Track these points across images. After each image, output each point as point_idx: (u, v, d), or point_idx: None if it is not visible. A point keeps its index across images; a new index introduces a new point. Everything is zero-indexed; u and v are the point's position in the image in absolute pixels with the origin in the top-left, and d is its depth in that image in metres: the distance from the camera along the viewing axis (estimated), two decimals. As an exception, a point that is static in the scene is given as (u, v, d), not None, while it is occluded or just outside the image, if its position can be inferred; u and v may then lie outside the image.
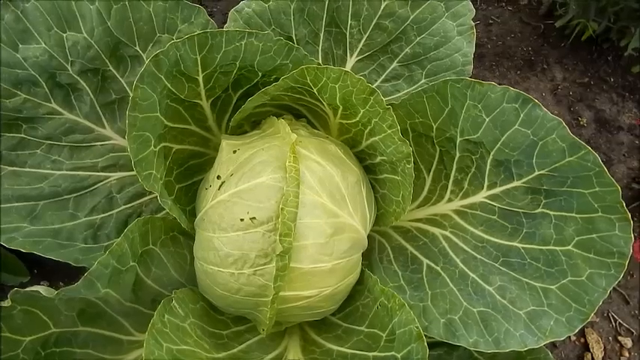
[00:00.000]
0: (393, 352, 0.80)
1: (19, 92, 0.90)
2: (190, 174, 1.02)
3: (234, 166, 0.88)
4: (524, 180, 0.86)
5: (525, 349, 0.81)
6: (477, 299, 0.86)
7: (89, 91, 0.95)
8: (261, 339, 0.98)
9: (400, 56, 1.06)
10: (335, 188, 0.88)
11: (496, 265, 0.91)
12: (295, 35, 1.02)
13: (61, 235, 0.93)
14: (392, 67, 1.07)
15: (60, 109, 0.95)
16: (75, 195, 0.99)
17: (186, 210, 0.99)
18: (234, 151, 0.90)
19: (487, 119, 0.82)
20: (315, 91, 0.89)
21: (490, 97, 0.81)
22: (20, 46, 0.86)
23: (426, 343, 0.75)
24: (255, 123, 1.03)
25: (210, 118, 0.99)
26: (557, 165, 0.83)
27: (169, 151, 0.95)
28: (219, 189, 0.87)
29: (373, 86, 1.06)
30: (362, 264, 0.99)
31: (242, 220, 0.82)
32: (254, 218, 0.82)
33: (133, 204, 1.03)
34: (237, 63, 0.87)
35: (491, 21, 1.66)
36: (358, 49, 1.07)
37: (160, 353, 0.74)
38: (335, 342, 0.97)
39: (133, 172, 1.04)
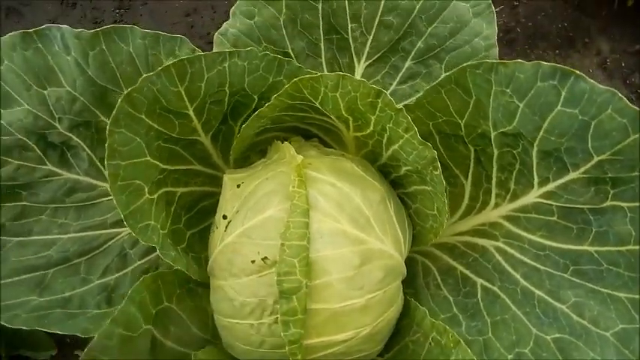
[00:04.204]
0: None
1: (10, 159, 0.85)
2: (202, 217, 0.93)
3: (238, 202, 0.78)
4: (582, 170, 0.71)
5: (622, 380, 0.64)
6: (550, 323, 0.70)
7: (84, 146, 0.89)
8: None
9: (413, 53, 0.94)
10: (356, 210, 0.76)
11: (566, 276, 0.75)
12: (292, 50, 0.92)
13: (72, 304, 0.86)
14: (406, 66, 0.95)
15: (57, 170, 0.90)
16: (86, 257, 0.93)
17: (200, 257, 0.90)
18: (238, 186, 0.81)
19: (521, 105, 0.68)
20: (317, 104, 0.78)
21: (519, 77, 0.67)
22: (3, 111, 0.82)
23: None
24: (263, 152, 0.94)
25: (213, 154, 0.90)
26: (620, 146, 0.67)
27: (173, 196, 0.86)
28: (225, 230, 0.78)
29: (389, 90, 0.96)
30: (406, 292, 0.85)
31: (253, 262, 0.72)
32: (266, 258, 0.71)
33: (149, 257, 0.95)
34: (227, 89, 0.78)
35: (516, 2, 1.50)
36: (365, 54, 0.96)
37: None
38: (385, 388, 0.83)
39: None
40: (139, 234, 0.73)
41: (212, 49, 0.88)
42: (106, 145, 0.67)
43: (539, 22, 1.47)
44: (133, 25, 0.82)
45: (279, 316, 0.66)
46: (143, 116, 0.71)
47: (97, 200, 0.95)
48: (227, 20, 0.90)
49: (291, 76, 0.78)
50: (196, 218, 0.93)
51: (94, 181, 0.93)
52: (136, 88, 0.68)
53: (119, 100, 0.67)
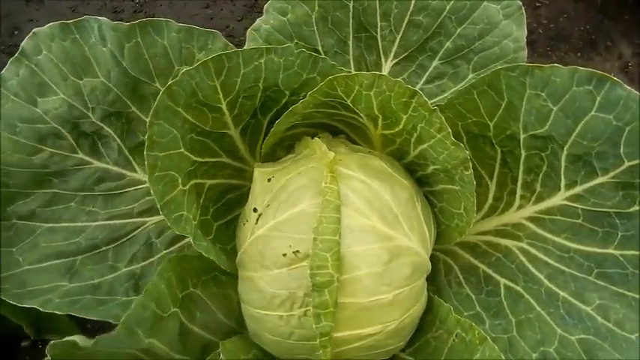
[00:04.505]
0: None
1: (44, 147, 0.86)
2: (229, 209, 0.95)
3: (269, 195, 0.80)
4: (611, 174, 0.72)
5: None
6: (574, 324, 0.71)
7: (115, 136, 0.91)
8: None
9: (441, 53, 0.95)
10: (385, 207, 0.77)
11: (590, 278, 0.76)
12: (322, 47, 0.93)
13: (101, 290, 0.88)
14: (433, 65, 0.96)
15: (88, 159, 0.91)
16: (113, 245, 0.94)
17: (227, 248, 0.91)
18: (269, 180, 0.82)
19: (555, 109, 0.69)
20: (348, 102, 0.79)
21: (555, 81, 0.68)
22: (39, 99, 0.83)
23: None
24: (290, 147, 0.95)
25: (241, 147, 0.92)
26: (652, 152, 0.68)
27: (202, 188, 0.88)
28: (256, 223, 0.79)
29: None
30: (428, 289, 0.87)
31: (285, 255, 0.74)
32: (297, 251, 0.73)
33: (174, 247, 0.97)
34: (260, 84, 0.79)
35: (538, 3, 1.51)
36: (393, 52, 0.97)
37: None
38: (406, 382, 0.85)
39: (171, 215, 0.97)
40: (173, 224, 0.74)
41: (232, 42, 0.89)
42: (146, 136, 0.69)
43: (561, 24, 1.47)
44: (153, 16, 0.83)
45: (310, 308, 0.68)
46: (180, 109, 0.73)
47: (125, 189, 0.96)
48: (246, 13, 0.91)
49: (325, 74, 0.79)
50: (223, 210, 0.94)
51: (123, 171, 0.95)
52: (176, 81, 0.69)
53: (160, 93, 0.68)
